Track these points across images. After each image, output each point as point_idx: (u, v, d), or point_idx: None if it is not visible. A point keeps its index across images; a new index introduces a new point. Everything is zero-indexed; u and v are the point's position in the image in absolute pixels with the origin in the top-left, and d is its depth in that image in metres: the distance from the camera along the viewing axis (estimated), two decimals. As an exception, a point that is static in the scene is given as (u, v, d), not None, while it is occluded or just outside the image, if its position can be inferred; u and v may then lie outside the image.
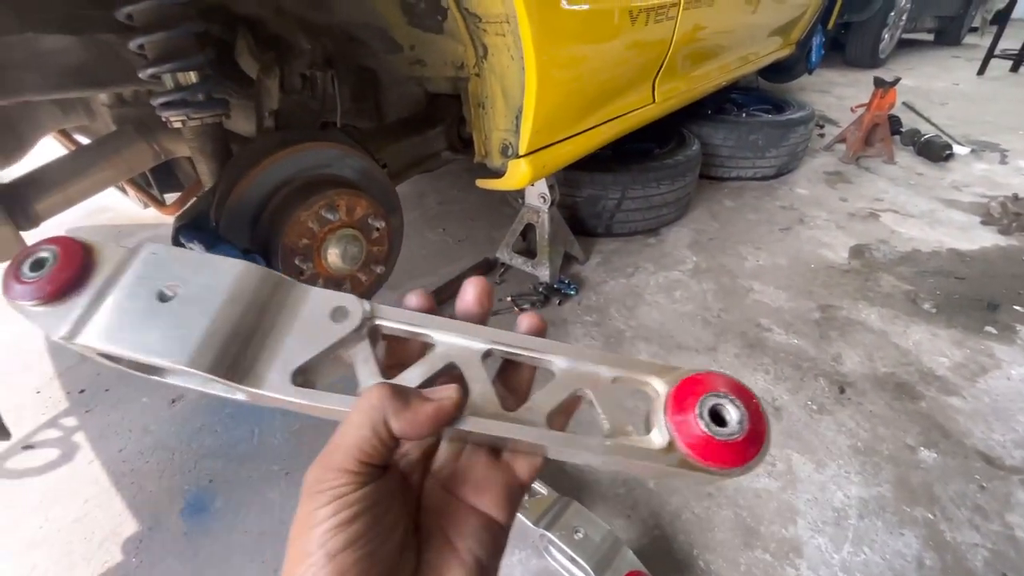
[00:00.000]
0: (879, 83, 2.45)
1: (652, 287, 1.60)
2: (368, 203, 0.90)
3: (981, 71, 4.74)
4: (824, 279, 1.63)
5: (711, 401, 0.26)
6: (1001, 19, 4.99)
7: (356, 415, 0.25)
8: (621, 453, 0.28)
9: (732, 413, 0.26)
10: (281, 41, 1.12)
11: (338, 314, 0.31)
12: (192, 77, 0.85)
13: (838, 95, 3.90)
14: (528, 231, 1.67)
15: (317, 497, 0.24)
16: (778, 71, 3.15)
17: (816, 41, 3.14)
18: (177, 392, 1.25)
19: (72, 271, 0.30)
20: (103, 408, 1.21)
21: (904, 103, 3.59)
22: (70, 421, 1.18)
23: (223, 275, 0.30)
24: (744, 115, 2.44)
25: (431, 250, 1.83)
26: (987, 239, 1.88)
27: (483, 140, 1.21)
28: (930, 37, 6.71)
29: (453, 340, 0.31)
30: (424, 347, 0.32)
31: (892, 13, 4.61)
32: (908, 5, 4.81)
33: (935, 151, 2.57)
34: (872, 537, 0.90)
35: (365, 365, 0.30)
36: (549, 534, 0.84)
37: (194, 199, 0.84)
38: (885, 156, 2.56)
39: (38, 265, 0.30)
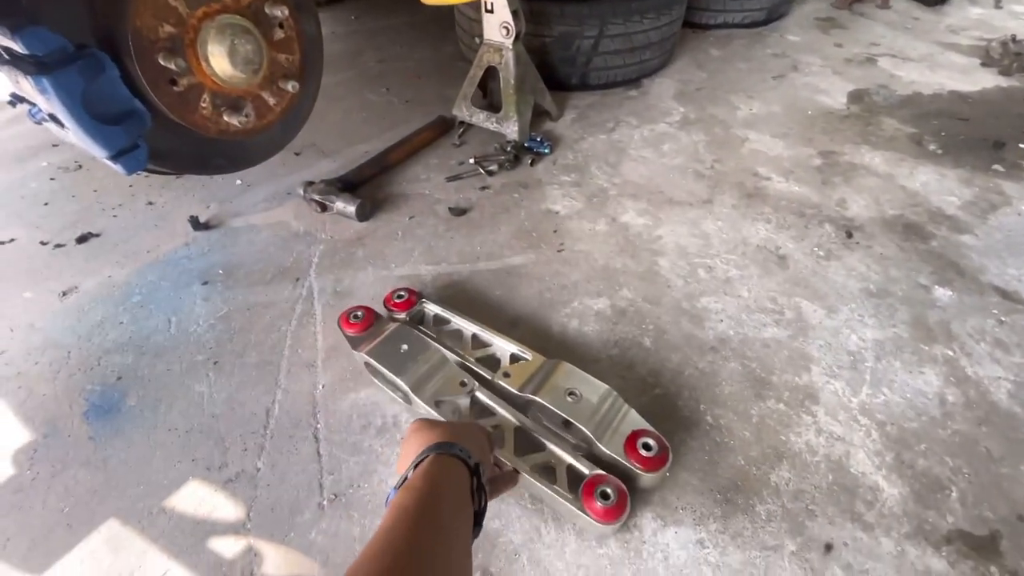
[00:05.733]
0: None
1: (637, 141, 1.39)
2: (261, -23, 0.62)
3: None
4: (823, 125, 1.46)
5: (603, 487, 0.62)
6: None
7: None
8: (555, 493, 0.63)
9: (612, 493, 0.61)
10: None
11: None
12: None
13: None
14: (490, 80, 1.40)
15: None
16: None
17: None
18: (69, 283, 1.01)
19: (369, 322, 0.80)
20: (-28, 307, 0.97)
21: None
22: (-70, 325, 0.94)
23: (426, 341, 0.79)
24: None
25: (374, 112, 1.54)
26: (988, 80, 1.72)
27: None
28: None
29: None
30: None
31: None
32: None
33: (931, -6, 2.33)
34: (891, 378, 0.82)
35: None
36: (538, 399, 0.70)
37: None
38: (879, 1, 2.31)
39: (357, 317, 0.80)
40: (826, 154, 1.34)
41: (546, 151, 1.35)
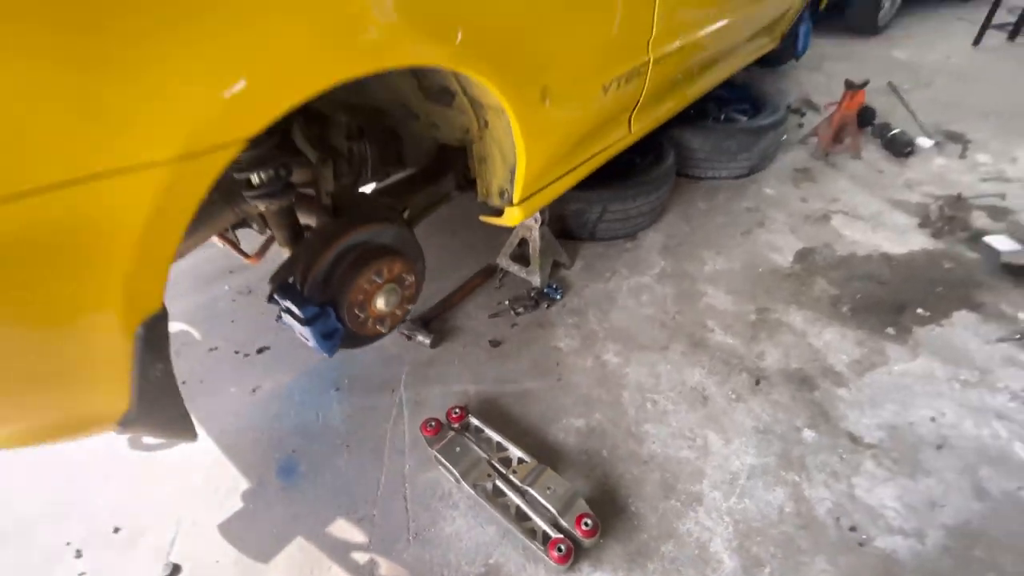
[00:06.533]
0: (849, 85, 2.66)
1: (624, 291, 1.95)
2: (403, 265, 1.24)
3: (977, 41, 4.74)
4: (768, 283, 1.97)
5: (560, 544, 1.13)
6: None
7: None
8: (535, 546, 1.17)
9: (564, 548, 1.12)
10: (323, 116, 1.42)
11: None
12: (271, 174, 1.18)
13: (828, 72, 4.01)
14: (523, 242, 2.01)
15: None
16: (764, 60, 3.30)
17: (803, 29, 3.28)
18: (255, 383, 1.65)
19: (438, 430, 1.37)
20: (203, 396, 1.61)
21: (889, 83, 3.73)
22: (180, 405, 1.59)
23: (470, 447, 1.35)
24: (723, 116, 2.67)
25: (443, 254, 2.17)
26: (919, 242, 2.18)
27: (485, 186, 1.53)
28: (942, -11, 6.45)
29: None
30: None
31: (894, -21, 4.59)
32: (912, -31, 4.75)
33: (898, 147, 2.80)
34: (752, 492, 1.31)
35: None
36: (531, 489, 1.25)
37: (280, 265, 1.19)
38: (853, 152, 2.81)
39: (431, 425, 1.39)
40: (761, 311, 1.85)
41: (558, 297, 1.92)
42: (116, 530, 1.29)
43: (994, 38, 4.84)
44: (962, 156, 2.88)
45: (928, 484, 1.32)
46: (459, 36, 0.97)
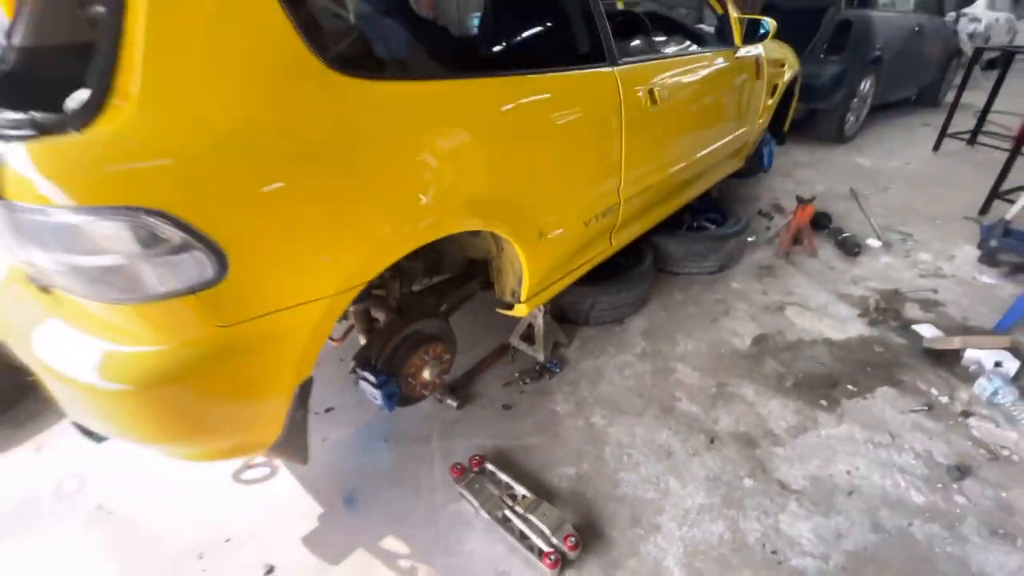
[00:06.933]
0: (800, 200, 3.26)
1: (611, 367, 2.45)
2: (442, 347, 1.79)
3: (936, 147, 5.42)
4: (728, 363, 2.45)
5: (551, 555, 1.52)
6: (958, 93, 5.44)
7: None
8: (534, 555, 1.59)
9: (554, 559, 1.51)
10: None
11: None
12: (358, 286, 1.77)
13: (798, 179, 4.68)
14: (530, 326, 2.55)
15: None
16: (736, 173, 3.97)
17: (766, 150, 3.97)
18: (324, 435, 2.16)
19: (462, 472, 1.81)
20: (285, 444, 2.12)
21: (851, 189, 4.35)
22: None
23: (486, 485, 1.73)
24: (695, 224, 3.28)
25: (468, 334, 2.71)
26: (856, 330, 2.65)
27: (500, 288, 2.10)
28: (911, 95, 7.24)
29: None
30: None
31: (855, 99, 5.38)
32: (871, 90, 5.56)
33: (848, 247, 3.35)
34: (699, 524, 1.72)
35: None
36: (531, 517, 1.69)
37: (360, 349, 1.75)
38: (809, 252, 3.36)
39: (457, 469, 1.82)
40: (721, 385, 2.32)
41: (557, 370, 2.43)
42: (227, 540, 1.76)
43: (954, 144, 5.49)
44: (906, 256, 3.40)
45: (837, 520, 1.72)
46: (494, 214, 1.59)
